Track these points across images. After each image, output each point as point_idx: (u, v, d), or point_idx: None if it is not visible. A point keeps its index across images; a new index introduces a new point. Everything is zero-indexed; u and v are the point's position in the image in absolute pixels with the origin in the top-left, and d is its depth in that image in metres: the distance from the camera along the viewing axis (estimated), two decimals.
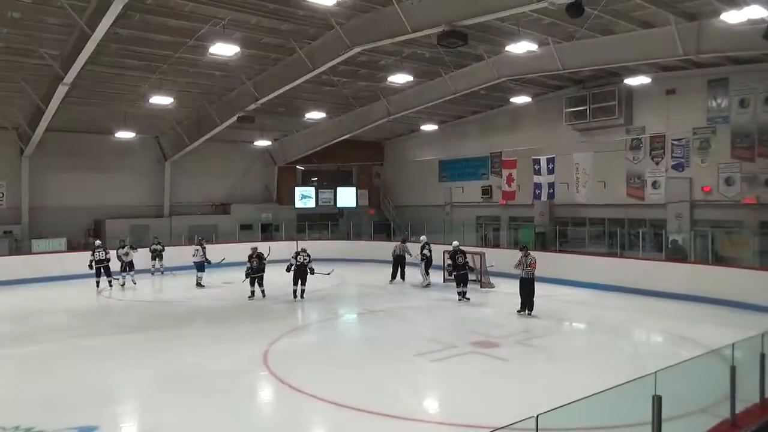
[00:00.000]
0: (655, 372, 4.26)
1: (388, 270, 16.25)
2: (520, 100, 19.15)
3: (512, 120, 21.88)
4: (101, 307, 13.65)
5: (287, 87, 15.88)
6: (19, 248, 19.16)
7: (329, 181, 26.86)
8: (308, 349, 9.50)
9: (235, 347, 9.39)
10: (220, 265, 16.30)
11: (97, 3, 11.06)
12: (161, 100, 16.69)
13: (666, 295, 13.09)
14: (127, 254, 16.35)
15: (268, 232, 24.59)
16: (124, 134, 20.58)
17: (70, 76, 13.45)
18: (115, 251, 16.42)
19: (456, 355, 8.65)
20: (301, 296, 13.37)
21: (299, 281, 13.41)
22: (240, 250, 18.88)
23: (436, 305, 12.91)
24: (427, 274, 15.34)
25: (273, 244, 17.80)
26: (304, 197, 25.61)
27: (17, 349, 9.56)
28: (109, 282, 15.87)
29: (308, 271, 13.23)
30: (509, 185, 21.32)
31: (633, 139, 17.80)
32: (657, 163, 17.26)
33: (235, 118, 18.49)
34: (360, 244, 22.28)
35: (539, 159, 19.01)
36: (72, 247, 19.71)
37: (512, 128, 21.91)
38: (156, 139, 23.07)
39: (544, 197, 19.13)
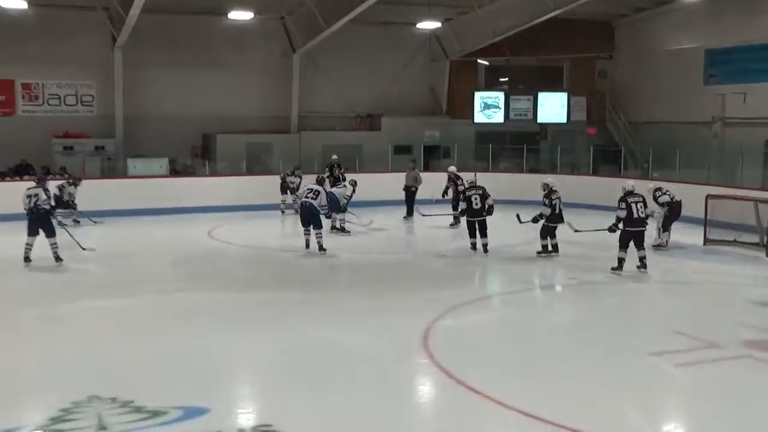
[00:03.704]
0: None
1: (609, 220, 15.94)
2: None
3: None
4: (213, 253, 15.07)
5: None
6: (113, 169, 21.73)
7: (527, 84, 26.30)
8: (488, 331, 9.55)
9: (386, 321, 9.72)
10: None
11: None
12: None
13: None
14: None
15: (435, 157, 24.95)
16: (240, 14, 21.85)
17: None
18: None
19: (718, 360, 8.18)
20: (484, 251, 14.09)
21: (475, 231, 14.19)
22: (393, 182, 19.63)
23: (686, 279, 12.38)
24: (665, 230, 14.72)
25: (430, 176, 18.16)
26: (488, 107, 25.41)
27: (114, 300, 10.91)
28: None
29: (486, 214, 14.14)
30: None
31: None
32: None
33: None
34: (574, 181, 21.72)
35: None
36: (176, 171, 21.81)
37: None
38: (281, 21, 24.22)
39: None
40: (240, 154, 22.42)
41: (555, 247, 13.99)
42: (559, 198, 13.87)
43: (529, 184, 19.55)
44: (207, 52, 23.23)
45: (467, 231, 14.33)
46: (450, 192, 17.94)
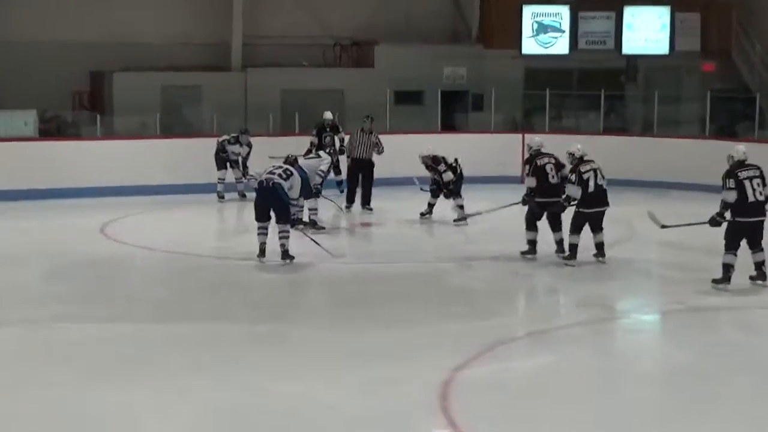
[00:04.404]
0: None
1: None
2: None
3: None
4: (109, 260, 15.10)
5: None
6: None
7: None
8: (543, 386, 9.50)
9: (384, 368, 9.74)
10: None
11: None
12: None
13: None
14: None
15: (459, 109, 25.28)
16: None
17: None
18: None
19: None
20: (559, 250, 14.52)
21: (536, 222, 14.55)
22: (395, 149, 19.71)
23: None
24: None
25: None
26: (544, 30, 25.55)
27: None
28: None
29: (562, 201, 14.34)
30: None
31: None
32: None
33: None
34: (680, 149, 21.98)
35: None
36: (47, 132, 21.80)
37: None
38: None
39: None
40: (151, 103, 22.52)
41: (599, 248, 14.26)
42: (594, 170, 13.98)
43: (610, 153, 19.64)
44: None
45: (527, 222, 14.55)
46: (441, 178, 17.70)
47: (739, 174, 12.22)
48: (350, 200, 19.12)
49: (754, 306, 12.42)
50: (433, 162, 17.54)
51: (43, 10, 23.04)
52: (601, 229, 14.09)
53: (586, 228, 14.13)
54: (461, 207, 17.52)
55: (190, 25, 24.46)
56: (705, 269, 13.38)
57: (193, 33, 24.49)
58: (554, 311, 13.30)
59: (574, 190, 13.79)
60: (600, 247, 14.16)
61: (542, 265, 14.41)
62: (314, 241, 14.74)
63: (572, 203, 13.93)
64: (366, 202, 19.11)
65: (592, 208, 13.92)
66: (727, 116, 23.79)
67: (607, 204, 14.06)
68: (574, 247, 14.05)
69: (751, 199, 12.16)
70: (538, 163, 14.40)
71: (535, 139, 15.29)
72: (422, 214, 18.13)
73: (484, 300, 13.06)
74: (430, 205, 18.03)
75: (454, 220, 17.65)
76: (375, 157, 19.11)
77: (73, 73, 23.56)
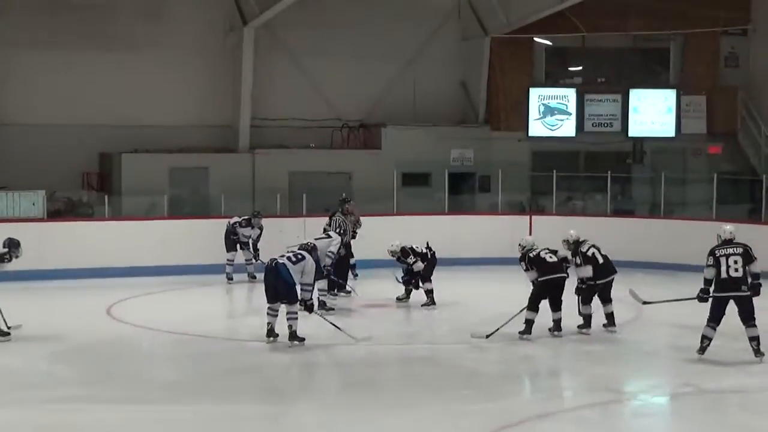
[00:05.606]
0: None
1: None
2: None
3: None
4: (116, 342, 15.09)
5: None
6: None
7: (611, 75, 26.76)
8: None
9: None
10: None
11: None
12: None
13: None
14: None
15: (466, 189, 25.34)
16: None
17: None
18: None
19: None
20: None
21: (544, 297, 14.82)
22: (402, 230, 19.77)
23: None
24: None
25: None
26: (551, 112, 25.73)
27: None
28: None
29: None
30: None
31: None
32: None
33: None
34: (688, 230, 21.91)
35: None
36: (58, 212, 21.91)
37: None
38: None
39: None
40: (159, 184, 22.71)
41: (609, 318, 15.15)
42: (593, 246, 15.07)
43: (617, 234, 19.75)
44: (107, 22, 23.63)
45: (530, 302, 14.76)
46: (417, 266, 17.73)
47: (716, 252, 12.99)
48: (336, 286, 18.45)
49: (763, 389, 12.35)
50: (402, 254, 17.74)
51: (52, 92, 23.29)
52: (611, 300, 14.85)
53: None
54: (430, 291, 17.73)
55: (197, 107, 24.66)
56: (712, 350, 13.41)
57: (201, 115, 24.70)
58: (562, 393, 13.34)
59: (584, 271, 14.68)
60: (610, 317, 14.90)
61: (549, 346, 14.51)
62: (335, 326, 14.76)
63: (585, 284, 14.71)
64: (342, 286, 18.75)
65: (606, 278, 14.87)
66: (735, 199, 23.87)
67: (615, 270, 15.06)
68: (588, 318, 14.83)
69: (723, 275, 12.85)
70: (532, 255, 14.88)
71: (527, 239, 15.72)
72: (399, 299, 18.23)
73: (492, 382, 13.05)
74: (408, 291, 18.16)
75: (422, 305, 17.79)
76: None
77: (82, 154, 23.74)
